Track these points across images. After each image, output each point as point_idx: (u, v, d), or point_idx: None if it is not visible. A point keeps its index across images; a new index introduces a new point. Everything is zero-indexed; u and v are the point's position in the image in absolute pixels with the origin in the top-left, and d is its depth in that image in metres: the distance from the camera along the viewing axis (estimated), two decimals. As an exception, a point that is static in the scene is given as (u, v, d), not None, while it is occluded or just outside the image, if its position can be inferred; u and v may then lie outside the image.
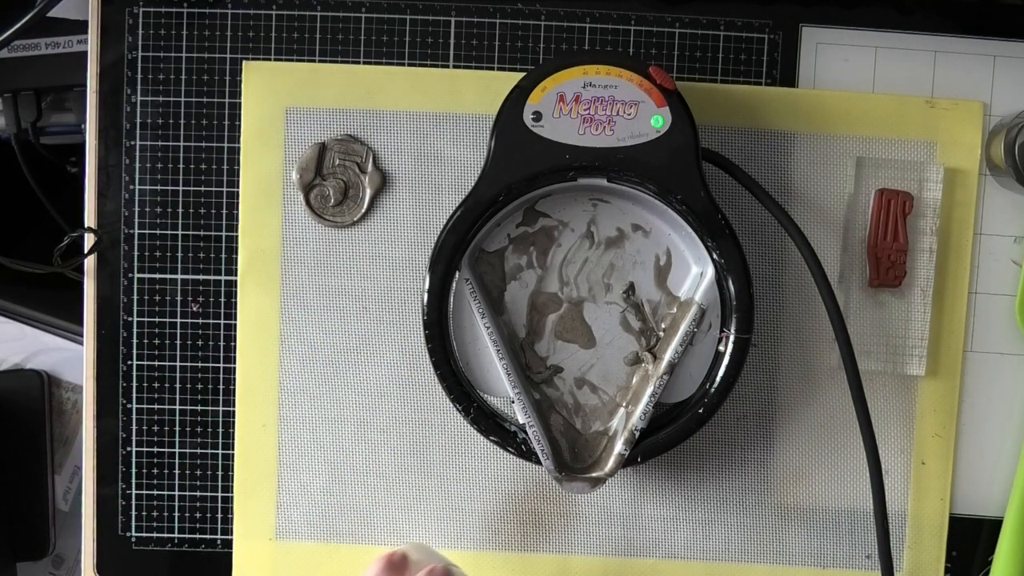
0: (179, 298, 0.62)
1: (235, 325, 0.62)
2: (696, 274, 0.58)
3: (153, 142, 0.62)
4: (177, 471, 0.62)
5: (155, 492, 0.62)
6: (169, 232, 0.62)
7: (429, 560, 0.53)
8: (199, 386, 0.62)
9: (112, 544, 0.63)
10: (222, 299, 0.62)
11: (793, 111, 0.61)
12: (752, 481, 0.62)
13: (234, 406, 0.62)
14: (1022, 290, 0.61)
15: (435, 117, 0.61)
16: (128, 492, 0.62)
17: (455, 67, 0.62)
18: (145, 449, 0.62)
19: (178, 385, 0.62)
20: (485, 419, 0.57)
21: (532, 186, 0.56)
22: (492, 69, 0.62)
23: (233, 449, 0.62)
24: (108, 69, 0.61)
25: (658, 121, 0.55)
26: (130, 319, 0.62)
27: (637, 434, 0.56)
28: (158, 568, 0.62)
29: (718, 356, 0.56)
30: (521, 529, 0.62)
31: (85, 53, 0.62)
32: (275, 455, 0.62)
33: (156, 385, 0.62)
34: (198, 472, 0.62)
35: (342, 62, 0.62)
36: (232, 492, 0.62)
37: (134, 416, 0.62)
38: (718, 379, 0.56)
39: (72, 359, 0.69)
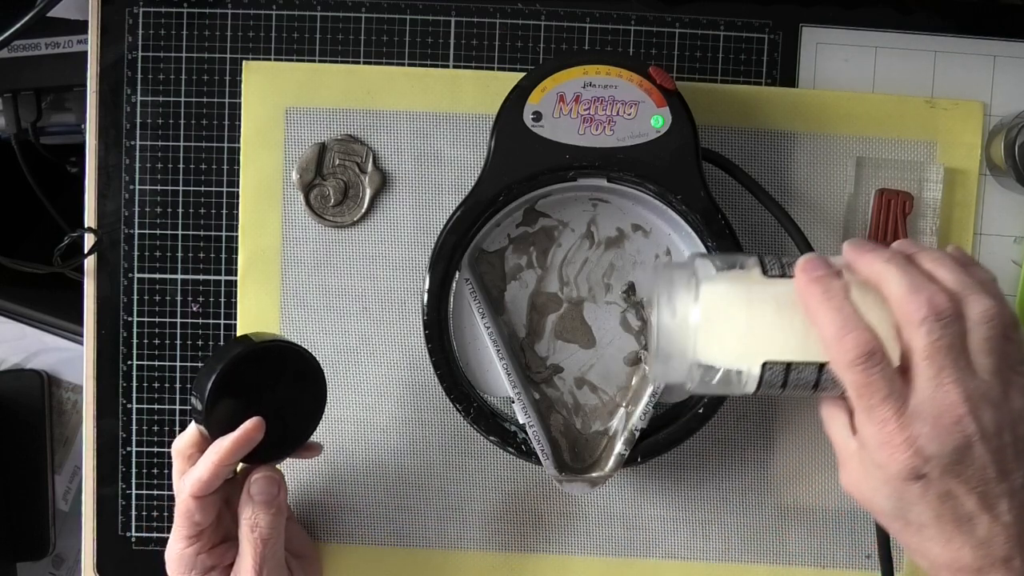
0: (179, 298, 0.62)
1: (235, 325, 0.62)
2: (696, 274, 0.58)
3: (153, 142, 0.62)
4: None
5: (155, 492, 0.62)
6: (169, 232, 0.62)
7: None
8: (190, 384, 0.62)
9: (112, 544, 0.63)
10: (222, 299, 0.62)
11: (793, 111, 0.61)
12: (752, 481, 0.62)
13: (234, 406, 0.62)
14: (1022, 290, 0.61)
15: (435, 117, 0.61)
16: (128, 492, 0.62)
17: (455, 67, 0.62)
18: (145, 449, 0.62)
19: (178, 385, 0.62)
20: (485, 419, 0.57)
21: (532, 186, 0.56)
22: (492, 69, 0.62)
23: (233, 449, 0.62)
24: (108, 69, 0.61)
25: (658, 121, 0.55)
26: (130, 319, 0.62)
27: (637, 434, 0.56)
28: (158, 568, 0.62)
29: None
30: (521, 529, 0.62)
31: (85, 53, 0.62)
32: (275, 455, 0.62)
33: (156, 385, 0.62)
34: (198, 472, 0.62)
35: (342, 62, 0.62)
36: (232, 492, 0.62)
37: (134, 416, 0.62)
38: (718, 379, 0.56)
39: (72, 359, 0.69)
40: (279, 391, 0.54)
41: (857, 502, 0.47)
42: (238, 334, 0.62)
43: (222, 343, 0.61)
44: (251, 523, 0.53)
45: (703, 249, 0.56)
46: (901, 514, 0.45)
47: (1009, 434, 0.44)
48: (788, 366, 0.47)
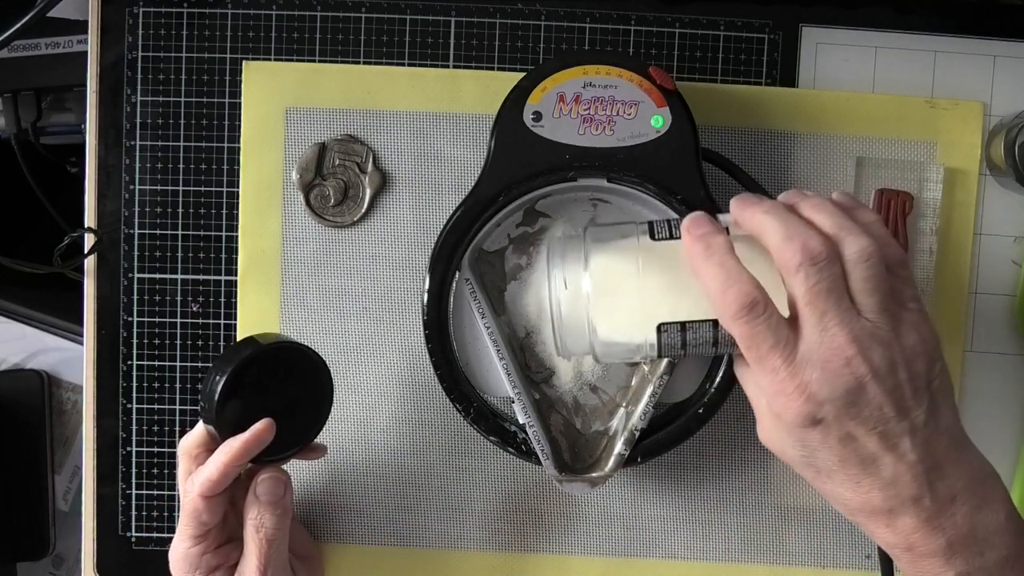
0: (179, 298, 0.62)
1: (235, 325, 0.62)
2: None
3: (153, 142, 0.62)
4: (177, 471, 0.62)
5: (155, 492, 0.62)
6: (169, 232, 0.62)
7: None
8: (199, 386, 0.62)
9: (112, 544, 0.63)
10: (222, 299, 0.62)
11: (793, 111, 0.61)
12: (752, 481, 0.62)
13: (234, 406, 0.62)
14: (1022, 290, 0.61)
15: (435, 117, 0.61)
16: (128, 492, 0.62)
17: (455, 67, 0.62)
18: (145, 449, 0.62)
19: (178, 385, 0.62)
20: (485, 419, 0.57)
21: (532, 186, 0.56)
22: (492, 69, 0.62)
23: (233, 449, 0.62)
24: (108, 69, 0.61)
25: (658, 121, 0.55)
26: (130, 319, 0.62)
27: (637, 434, 0.56)
28: (158, 568, 0.62)
29: (718, 356, 0.56)
30: (521, 529, 0.62)
31: (85, 53, 0.62)
32: (275, 455, 0.62)
33: (156, 385, 0.62)
34: (198, 472, 0.62)
35: (342, 62, 0.62)
36: (232, 492, 0.62)
37: (134, 416, 0.62)
38: (718, 379, 0.56)
39: (72, 359, 0.69)
40: (286, 391, 0.54)
41: (775, 455, 0.48)
42: (238, 334, 0.62)
43: (230, 343, 0.61)
44: (256, 523, 0.53)
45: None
46: (810, 462, 0.46)
47: (904, 371, 0.44)
48: (683, 327, 0.47)
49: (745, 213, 0.47)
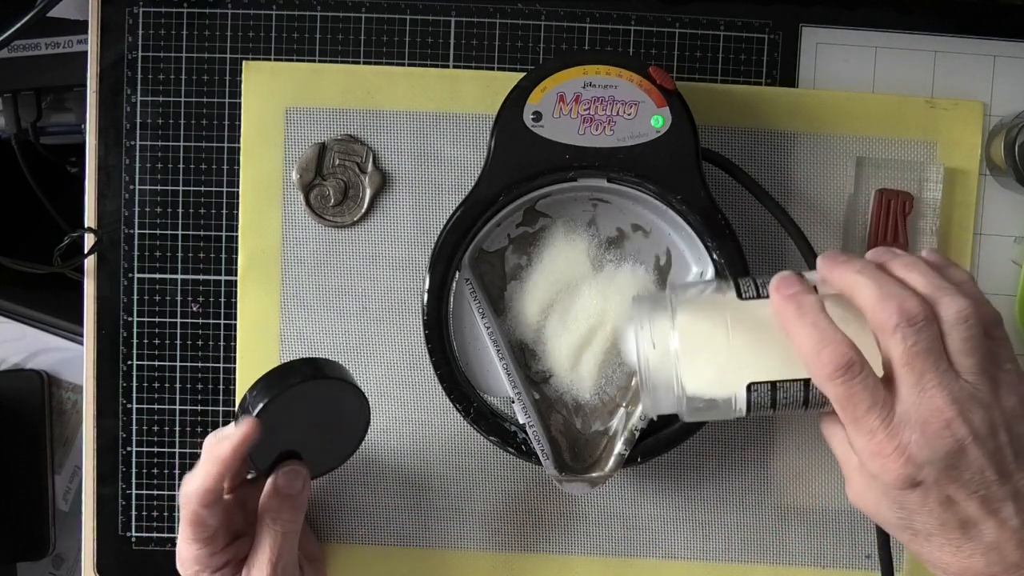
0: (179, 298, 0.62)
1: (235, 325, 0.62)
2: (696, 274, 0.58)
3: (153, 142, 0.62)
4: (177, 471, 0.62)
5: (155, 492, 0.62)
6: (169, 232, 0.62)
7: None
8: (199, 386, 0.62)
9: (112, 544, 0.63)
10: (222, 299, 0.62)
11: (793, 111, 0.61)
12: (752, 481, 0.62)
13: (234, 406, 0.62)
14: (1022, 290, 0.61)
15: (435, 117, 0.61)
16: (128, 492, 0.62)
17: (455, 67, 0.62)
18: (145, 449, 0.62)
19: (178, 385, 0.62)
20: (485, 419, 0.57)
21: (532, 186, 0.56)
22: (492, 69, 0.62)
23: (233, 449, 0.62)
24: (108, 69, 0.62)
25: (658, 121, 0.55)
26: (130, 319, 0.62)
27: (637, 434, 0.56)
28: (158, 568, 0.62)
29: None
30: (521, 529, 0.62)
31: (85, 53, 0.62)
32: (275, 455, 0.62)
33: (156, 385, 0.62)
34: (198, 472, 0.62)
35: (342, 62, 0.62)
36: (232, 492, 0.62)
37: (134, 416, 0.62)
38: (718, 379, 0.56)
39: (72, 359, 0.69)
40: (322, 420, 0.54)
41: (867, 516, 0.47)
42: (238, 334, 0.62)
43: (282, 363, 0.57)
44: (274, 515, 0.52)
45: (704, 250, 0.56)
46: (908, 524, 0.45)
47: (1005, 434, 0.43)
48: (773, 386, 0.47)
49: (835, 272, 0.47)
